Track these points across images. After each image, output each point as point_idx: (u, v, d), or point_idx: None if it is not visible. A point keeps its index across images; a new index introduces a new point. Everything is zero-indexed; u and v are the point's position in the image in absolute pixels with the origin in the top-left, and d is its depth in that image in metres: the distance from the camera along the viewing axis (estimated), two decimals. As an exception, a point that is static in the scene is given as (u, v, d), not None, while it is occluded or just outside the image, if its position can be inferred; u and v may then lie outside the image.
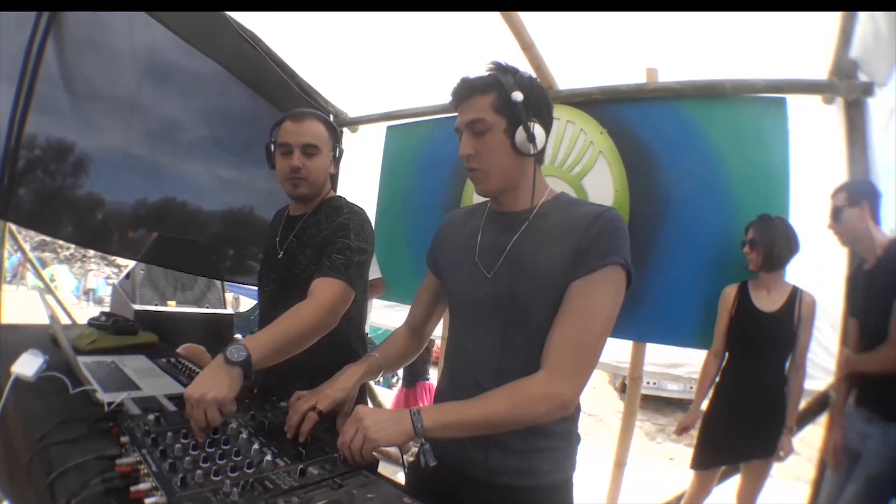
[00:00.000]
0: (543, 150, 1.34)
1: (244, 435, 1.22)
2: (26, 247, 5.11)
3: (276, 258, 1.94)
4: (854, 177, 2.50)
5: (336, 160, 1.96)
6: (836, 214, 2.38)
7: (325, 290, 1.60)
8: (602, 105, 3.05)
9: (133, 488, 0.95)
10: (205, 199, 3.75)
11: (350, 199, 1.96)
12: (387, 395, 6.60)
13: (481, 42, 2.98)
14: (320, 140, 1.85)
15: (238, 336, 4.55)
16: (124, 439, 1.13)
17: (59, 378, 1.55)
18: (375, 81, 3.77)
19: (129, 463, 1.03)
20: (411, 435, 1.14)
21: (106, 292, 20.51)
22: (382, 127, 4.14)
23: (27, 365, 1.53)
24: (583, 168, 3.06)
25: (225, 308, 4.07)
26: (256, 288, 2.10)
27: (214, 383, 1.21)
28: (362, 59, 3.53)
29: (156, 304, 3.57)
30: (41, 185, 2.92)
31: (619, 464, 3.04)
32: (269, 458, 1.11)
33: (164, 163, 3.40)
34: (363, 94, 4.04)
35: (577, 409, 1.33)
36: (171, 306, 3.63)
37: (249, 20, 3.40)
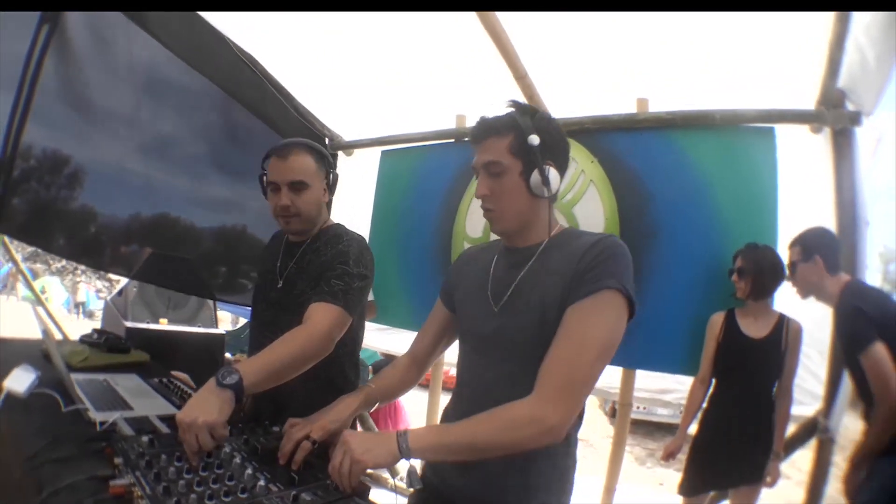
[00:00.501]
0: (558, 190, 1.37)
1: (237, 459, 1.23)
2: (18, 257, 5.08)
3: (274, 285, 1.93)
4: (841, 205, 2.54)
5: (330, 187, 1.95)
6: (792, 269, 2.47)
7: (320, 316, 1.60)
8: (593, 134, 3.07)
9: (126, 510, 0.96)
10: (198, 216, 3.75)
11: (344, 223, 1.96)
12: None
13: (476, 67, 3.01)
14: (308, 174, 1.83)
15: (228, 355, 4.53)
16: (118, 461, 1.13)
17: (50, 395, 1.55)
18: (372, 105, 3.79)
19: (123, 485, 1.03)
20: (397, 456, 1.15)
21: (97, 305, 20.36)
22: (377, 151, 4.14)
23: (19, 380, 1.53)
24: (574, 196, 3.09)
25: (216, 327, 4.06)
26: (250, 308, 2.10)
27: (205, 407, 1.22)
28: (360, 82, 3.54)
29: (147, 322, 3.56)
30: (35, 196, 2.92)
31: (609, 489, 3.03)
32: (262, 483, 1.12)
33: (158, 178, 3.39)
34: (359, 118, 4.05)
35: (574, 441, 1.36)
36: (163, 324, 3.62)
37: (247, 40, 3.41)
